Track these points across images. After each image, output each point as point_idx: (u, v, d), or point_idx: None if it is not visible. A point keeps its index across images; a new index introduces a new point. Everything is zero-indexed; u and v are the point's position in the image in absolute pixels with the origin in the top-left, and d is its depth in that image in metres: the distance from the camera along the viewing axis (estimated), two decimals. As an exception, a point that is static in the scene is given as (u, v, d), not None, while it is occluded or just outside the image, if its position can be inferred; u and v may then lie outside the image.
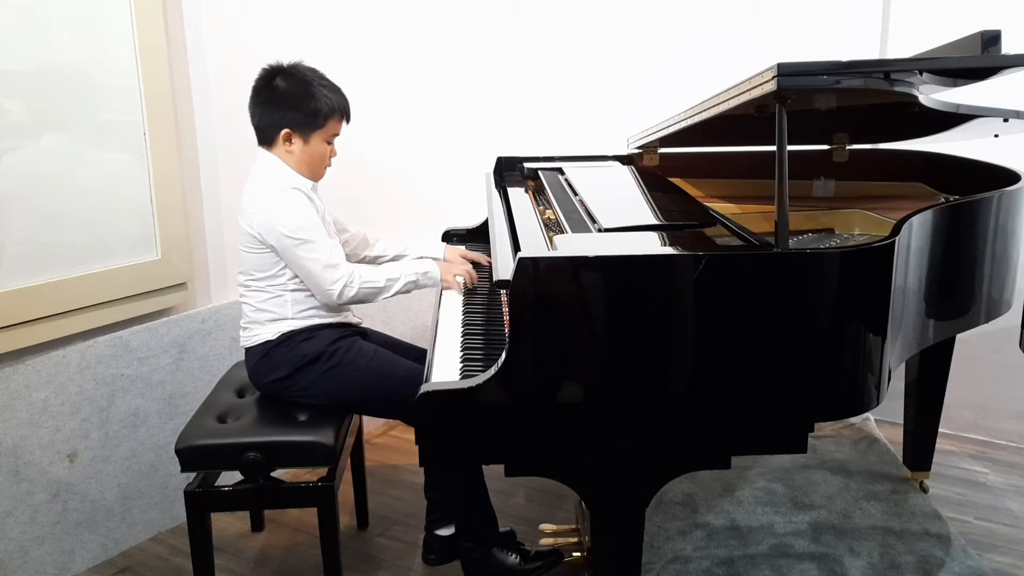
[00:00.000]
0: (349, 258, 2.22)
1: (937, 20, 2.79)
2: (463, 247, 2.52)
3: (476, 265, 2.26)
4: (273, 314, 2.00)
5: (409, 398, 1.86)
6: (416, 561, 2.28)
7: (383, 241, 2.35)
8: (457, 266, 2.16)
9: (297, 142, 1.97)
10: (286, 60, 1.99)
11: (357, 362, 1.99)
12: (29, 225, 2.05)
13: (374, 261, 2.33)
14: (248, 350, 2.05)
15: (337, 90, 2.01)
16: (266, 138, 1.99)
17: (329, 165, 2.07)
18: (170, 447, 2.13)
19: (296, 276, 1.98)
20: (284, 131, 1.95)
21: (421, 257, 2.31)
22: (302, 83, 1.95)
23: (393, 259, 2.34)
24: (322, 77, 2.00)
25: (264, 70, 1.98)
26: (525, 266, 1.40)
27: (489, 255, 2.15)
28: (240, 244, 2.01)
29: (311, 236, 1.91)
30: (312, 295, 2.00)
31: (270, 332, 2.00)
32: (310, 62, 2.03)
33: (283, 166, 1.98)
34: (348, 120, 2.05)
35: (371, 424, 3.10)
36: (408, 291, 2.07)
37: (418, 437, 1.46)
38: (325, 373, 1.98)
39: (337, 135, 2.04)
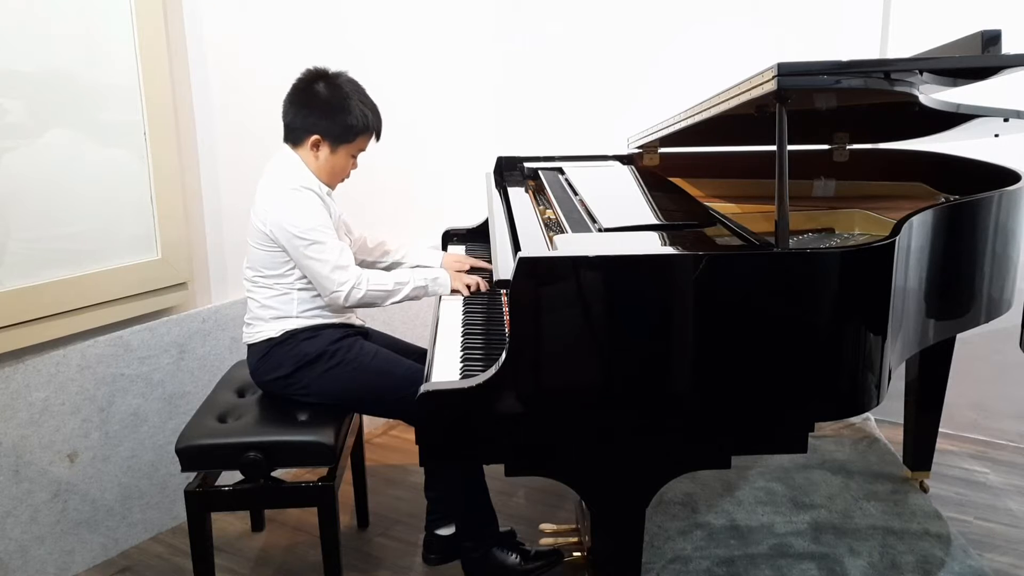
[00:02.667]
0: None
1: (937, 20, 2.79)
2: (463, 247, 2.52)
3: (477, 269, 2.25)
4: (278, 311, 2.00)
5: (410, 398, 1.85)
6: (416, 561, 2.28)
7: (382, 245, 2.34)
8: (467, 276, 2.13)
9: (324, 150, 1.98)
10: (333, 67, 2.00)
11: (358, 361, 1.99)
12: (29, 225, 2.05)
13: (372, 266, 2.32)
14: (250, 346, 2.05)
15: (374, 108, 2.03)
16: (294, 138, 2.00)
17: (348, 177, 2.09)
18: (170, 447, 2.13)
19: (305, 275, 1.98)
20: (314, 137, 1.97)
21: (417, 266, 2.28)
22: (342, 95, 1.96)
23: (389, 267, 2.32)
24: (363, 93, 2.01)
25: (308, 71, 2.00)
26: (525, 266, 1.40)
27: (489, 256, 2.15)
28: (250, 239, 2.01)
29: (321, 237, 1.91)
30: (319, 295, 2.00)
31: (273, 329, 2.00)
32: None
33: (303, 166, 1.99)
34: (378, 139, 2.07)
35: (371, 424, 3.10)
36: (417, 297, 2.05)
37: (418, 437, 1.46)
38: (326, 372, 1.98)
39: (363, 151, 2.06)
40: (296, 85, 2.00)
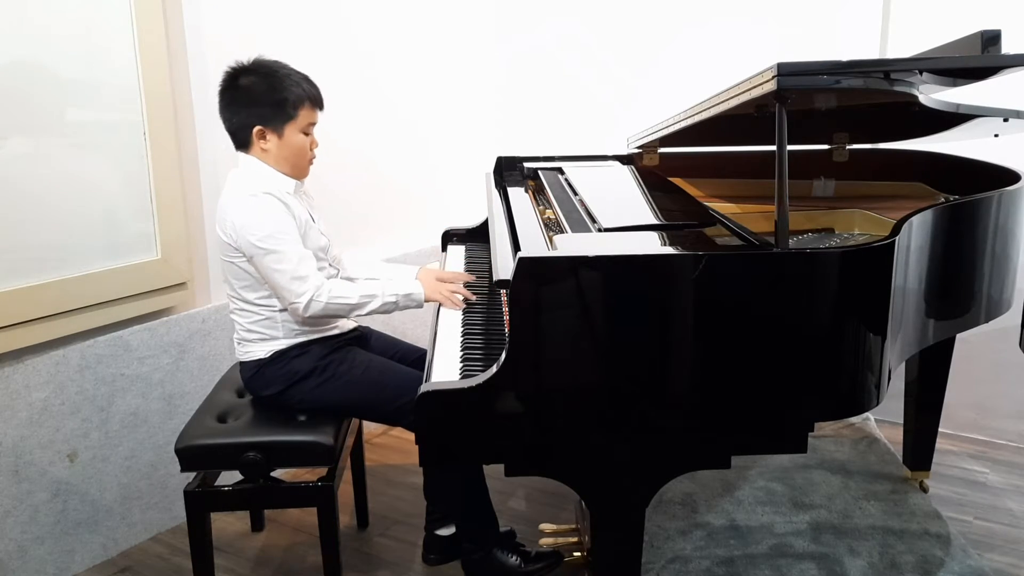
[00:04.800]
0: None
1: (937, 20, 2.79)
2: (463, 247, 2.51)
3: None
4: (263, 335, 1.97)
5: (404, 407, 1.84)
6: (416, 561, 2.28)
7: (348, 261, 2.24)
8: (445, 286, 2.03)
9: (272, 138, 1.91)
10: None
11: (350, 374, 1.96)
12: (29, 225, 2.05)
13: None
14: (242, 363, 2.03)
15: (305, 78, 1.94)
16: (240, 140, 1.94)
17: (312, 158, 2.00)
18: (170, 447, 2.12)
19: None
20: (256, 128, 1.89)
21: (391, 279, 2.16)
22: (267, 76, 1.89)
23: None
24: (287, 67, 1.93)
25: (227, 72, 1.92)
26: (525, 266, 1.40)
27: (488, 257, 2.14)
28: (220, 254, 1.94)
29: (279, 245, 1.84)
30: None
31: (262, 351, 1.97)
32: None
33: (262, 167, 1.92)
34: (321, 108, 1.97)
35: (371, 424, 3.09)
36: (388, 311, 1.98)
37: (418, 437, 1.46)
38: (319, 387, 1.95)
39: (313, 124, 1.97)
40: (221, 89, 1.92)
